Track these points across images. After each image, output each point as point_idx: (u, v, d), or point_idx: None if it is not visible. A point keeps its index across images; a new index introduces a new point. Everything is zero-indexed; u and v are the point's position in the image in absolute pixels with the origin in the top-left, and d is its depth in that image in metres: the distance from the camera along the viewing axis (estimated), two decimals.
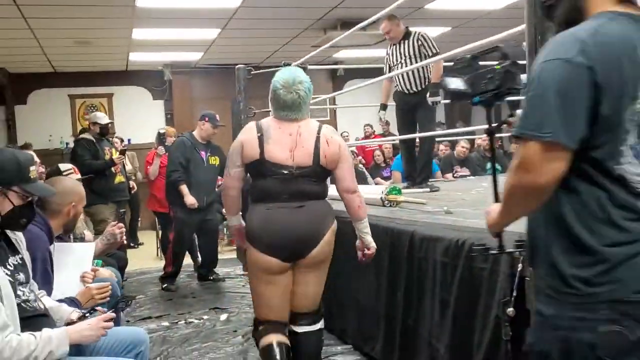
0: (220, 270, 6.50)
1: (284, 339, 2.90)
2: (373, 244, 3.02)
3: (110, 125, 6.48)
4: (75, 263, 2.97)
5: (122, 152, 6.25)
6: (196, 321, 4.63)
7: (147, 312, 4.97)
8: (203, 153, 5.90)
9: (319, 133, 2.84)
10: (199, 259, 6.42)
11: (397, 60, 5.30)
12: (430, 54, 5.06)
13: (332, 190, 3.07)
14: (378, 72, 7.35)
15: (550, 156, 1.31)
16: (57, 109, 10.59)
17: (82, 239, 4.49)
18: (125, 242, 3.89)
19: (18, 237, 2.32)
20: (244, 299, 5.16)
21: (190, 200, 5.69)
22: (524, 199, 1.40)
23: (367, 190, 4.08)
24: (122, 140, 8.76)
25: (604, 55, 1.31)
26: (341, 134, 10.84)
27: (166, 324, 4.62)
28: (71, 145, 10.26)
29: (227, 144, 8.95)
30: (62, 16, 6.91)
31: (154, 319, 4.76)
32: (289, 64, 5.77)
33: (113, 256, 5.05)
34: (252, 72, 6.08)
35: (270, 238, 2.80)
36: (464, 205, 3.96)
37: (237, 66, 6.18)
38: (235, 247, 7.64)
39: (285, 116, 2.85)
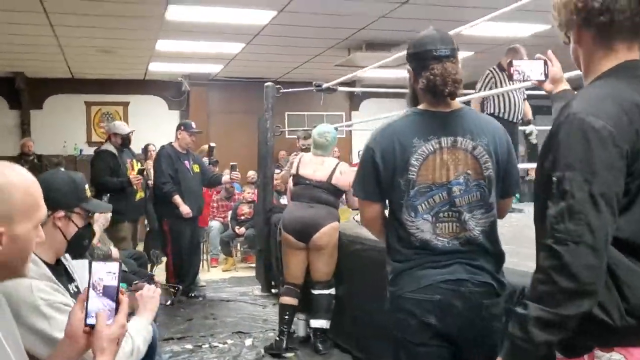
0: (236, 289, 6.41)
1: (293, 301, 4.35)
2: None
3: (131, 134, 6.38)
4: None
5: (141, 172, 6.12)
6: (221, 345, 4.52)
7: (168, 333, 4.85)
8: (187, 162, 5.87)
9: (336, 165, 4.45)
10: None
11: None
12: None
13: None
14: (394, 94, 7.38)
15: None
16: (73, 115, 10.51)
17: (108, 257, 4.42)
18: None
19: (71, 264, 2.25)
20: (267, 323, 5.05)
21: (185, 209, 5.66)
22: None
23: None
24: (155, 146, 8.47)
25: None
26: (358, 152, 10.82)
27: (189, 346, 4.51)
28: (85, 152, 10.28)
29: (252, 159, 8.91)
30: (88, 25, 6.85)
31: (176, 341, 4.65)
32: (319, 85, 5.76)
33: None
34: (281, 91, 6.00)
35: (291, 224, 4.34)
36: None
37: (265, 83, 6.14)
38: (253, 265, 7.55)
39: (316, 153, 4.52)
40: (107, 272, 1.48)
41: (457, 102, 2.12)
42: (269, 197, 6.15)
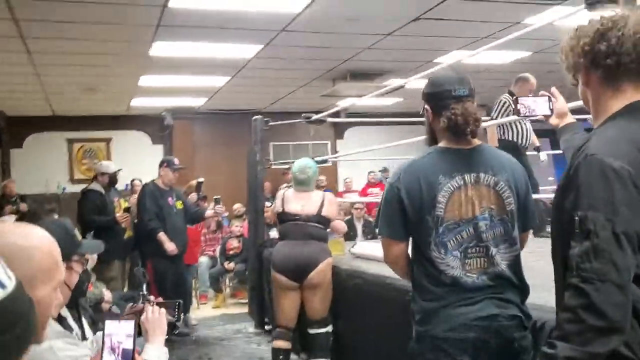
0: (229, 327, 6.29)
1: (286, 345, 4.24)
2: None
3: (118, 172, 6.32)
4: None
5: (127, 210, 6.03)
6: None
7: None
8: (170, 199, 5.79)
9: (323, 196, 4.41)
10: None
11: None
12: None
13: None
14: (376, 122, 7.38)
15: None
16: (54, 153, 10.40)
17: (100, 301, 4.30)
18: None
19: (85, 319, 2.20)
20: None
21: (171, 246, 5.55)
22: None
23: None
24: (141, 182, 8.38)
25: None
26: (344, 180, 10.82)
27: None
28: (68, 190, 10.15)
29: (238, 191, 8.85)
30: (71, 63, 6.81)
31: None
32: (309, 117, 5.76)
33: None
34: (270, 124, 5.98)
35: (284, 263, 4.19)
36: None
37: (254, 117, 6.11)
38: (244, 300, 7.43)
39: (299, 189, 4.39)
40: (124, 334, 1.43)
41: (476, 139, 2.15)
42: (260, 231, 6.08)
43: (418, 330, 2.06)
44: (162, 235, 5.57)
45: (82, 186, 8.27)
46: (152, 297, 2.32)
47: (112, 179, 6.16)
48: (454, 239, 2.03)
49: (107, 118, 10.46)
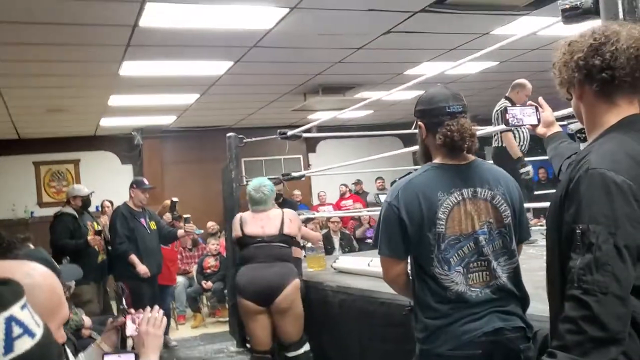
0: (209, 347, 6.21)
1: None
2: None
3: (91, 195, 6.23)
4: None
5: (98, 233, 5.94)
6: None
7: None
8: (143, 220, 5.75)
9: (283, 214, 4.28)
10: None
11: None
12: None
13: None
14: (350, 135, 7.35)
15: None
16: (21, 177, 10.17)
17: (81, 327, 4.20)
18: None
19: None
20: None
21: (143, 269, 5.51)
22: None
23: None
24: (111, 203, 8.26)
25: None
26: (318, 194, 10.82)
27: None
28: (37, 214, 9.93)
29: (217, 210, 8.74)
30: (38, 85, 6.67)
31: None
32: (284, 133, 5.74)
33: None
34: (245, 140, 5.94)
35: (250, 288, 4.07)
36: None
37: (228, 134, 6.06)
38: (222, 319, 7.35)
39: (257, 209, 4.28)
40: None
41: (471, 155, 2.18)
42: (238, 249, 6.01)
43: (422, 349, 2.06)
44: (133, 258, 5.52)
45: (51, 210, 8.15)
46: (132, 310, 2.23)
47: (85, 202, 6.10)
48: (456, 254, 2.04)
49: (75, 139, 10.28)
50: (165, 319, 2.14)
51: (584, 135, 2.32)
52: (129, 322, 2.10)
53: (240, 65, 6.55)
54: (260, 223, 4.20)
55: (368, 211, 8.84)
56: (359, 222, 8.81)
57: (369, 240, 8.28)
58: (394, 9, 5.11)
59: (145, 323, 2.04)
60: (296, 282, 4.11)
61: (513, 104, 5.20)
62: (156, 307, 2.13)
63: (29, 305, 0.89)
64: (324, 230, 8.10)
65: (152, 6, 4.50)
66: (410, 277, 2.19)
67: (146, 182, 5.92)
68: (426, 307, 2.06)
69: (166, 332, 6.54)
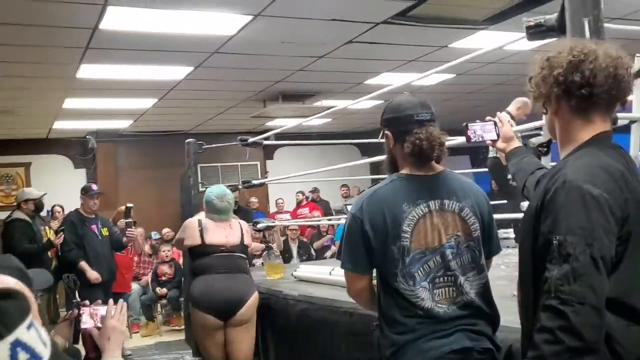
0: (165, 357, 6.11)
1: None
2: None
3: (43, 197, 6.08)
4: None
5: (57, 233, 5.80)
6: None
7: None
8: (94, 227, 5.70)
9: (241, 225, 4.21)
10: None
11: None
12: None
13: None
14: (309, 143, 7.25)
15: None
16: None
17: None
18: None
19: None
20: None
21: (93, 274, 5.45)
22: None
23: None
24: (62, 208, 8.05)
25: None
26: (275, 201, 10.79)
27: None
28: None
29: (172, 216, 8.62)
30: None
31: None
32: (245, 140, 5.71)
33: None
34: (204, 147, 5.89)
35: (209, 301, 3.83)
36: None
37: (187, 140, 6.01)
38: (178, 327, 7.25)
39: (219, 218, 4.09)
40: None
41: (439, 165, 2.11)
42: (189, 257, 5.95)
43: None
44: (83, 264, 5.44)
45: (0, 213, 7.88)
46: (87, 302, 2.13)
47: (38, 205, 5.96)
48: (421, 269, 1.96)
49: (26, 142, 9.97)
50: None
51: (545, 149, 2.39)
52: (84, 316, 1.98)
53: (200, 71, 6.51)
54: (223, 232, 4.04)
55: (328, 220, 8.89)
56: (317, 231, 8.81)
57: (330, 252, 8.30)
58: (357, 19, 5.17)
59: (111, 317, 1.92)
60: (257, 295, 3.99)
61: (512, 118, 5.27)
62: (121, 300, 2.04)
63: (35, 322, 0.83)
64: (283, 238, 8.08)
65: (114, 10, 4.43)
66: (376, 291, 2.09)
67: (94, 187, 5.82)
68: (393, 321, 1.97)
69: None
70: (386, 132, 2.12)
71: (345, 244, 2.05)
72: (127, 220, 5.80)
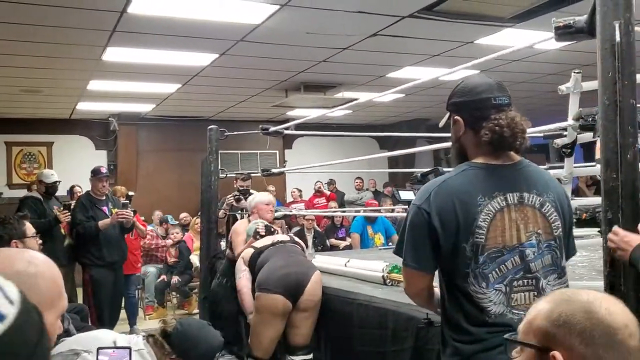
0: None
1: None
2: None
3: (57, 184, 6.16)
4: None
5: (66, 207, 5.86)
6: None
7: None
8: (105, 208, 5.76)
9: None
10: None
11: None
12: None
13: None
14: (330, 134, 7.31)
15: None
16: None
17: None
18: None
19: None
20: None
21: (105, 222, 5.55)
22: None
23: (364, 266, 3.98)
24: (82, 189, 8.12)
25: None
26: (291, 191, 10.83)
27: None
28: (6, 195, 9.74)
29: (192, 200, 8.66)
30: (15, 64, 6.55)
31: None
32: (266, 129, 5.74)
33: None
34: (226, 134, 5.93)
35: (280, 281, 3.61)
36: None
37: (209, 127, 6.03)
38: (189, 312, 7.34)
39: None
40: None
41: (517, 155, 1.88)
42: (213, 242, 6.00)
43: None
44: (100, 223, 5.53)
45: (21, 191, 8.03)
46: None
47: (49, 189, 6.04)
48: (497, 269, 1.74)
49: (50, 122, 10.10)
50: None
51: (569, 150, 2.39)
52: None
53: (225, 58, 6.54)
54: (271, 238, 4.16)
55: (342, 211, 8.92)
56: (331, 222, 8.83)
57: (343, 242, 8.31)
58: (383, 12, 5.17)
59: None
60: (319, 274, 3.76)
61: None
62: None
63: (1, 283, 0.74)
64: (297, 228, 8.12)
65: None
66: (439, 290, 1.90)
67: (103, 170, 5.86)
68: (458, 329, 1.76)
69: (135, 323, 6.53)
70: (456, 117, 1.88)
71: (407, 240, 1.84)
72: (123, 202, 5.86)
